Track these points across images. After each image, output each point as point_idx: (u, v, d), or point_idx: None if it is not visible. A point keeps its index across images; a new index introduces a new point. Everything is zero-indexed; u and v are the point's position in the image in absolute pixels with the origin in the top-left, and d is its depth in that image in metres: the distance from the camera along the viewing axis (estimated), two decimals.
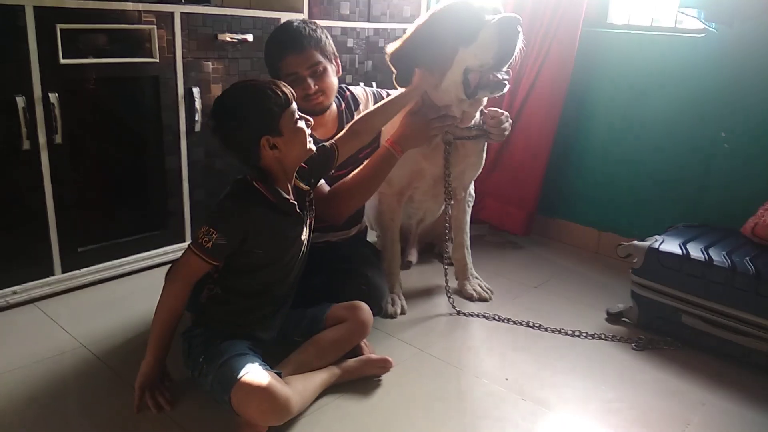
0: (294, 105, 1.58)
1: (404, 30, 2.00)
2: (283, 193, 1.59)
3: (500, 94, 1.92)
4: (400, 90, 1.98)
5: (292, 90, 1.59)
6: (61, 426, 1.51)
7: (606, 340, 2.04)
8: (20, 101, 1.91)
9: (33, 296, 2.10)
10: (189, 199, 2.43)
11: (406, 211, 2.34)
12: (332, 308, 1.79)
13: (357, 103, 2.15)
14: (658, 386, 1.80)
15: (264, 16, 2.49)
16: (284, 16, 2.49)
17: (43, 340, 1.88)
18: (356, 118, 1.93)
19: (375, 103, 2.17)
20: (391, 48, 1.98)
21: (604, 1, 2.78)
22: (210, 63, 2.37)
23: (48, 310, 2.07)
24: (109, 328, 1.96)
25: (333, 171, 1.86)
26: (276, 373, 1.50)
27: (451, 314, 2.17)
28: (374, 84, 2.92)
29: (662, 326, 2.06)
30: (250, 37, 2.42)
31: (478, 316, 2.16)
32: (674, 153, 2.55)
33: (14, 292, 2.05)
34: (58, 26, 1.94)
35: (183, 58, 2.28)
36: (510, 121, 2.12)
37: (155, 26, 2.17)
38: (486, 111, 2.08)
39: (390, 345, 1.94)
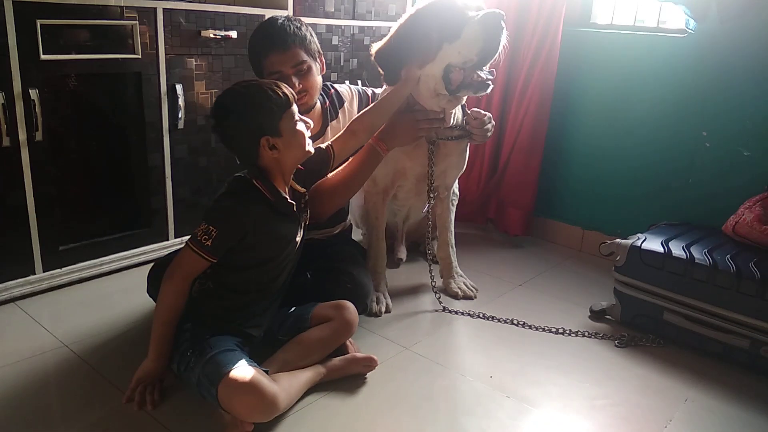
0: (294, 107, 1.58)
1: (389, 28, 1.99)
2: (281, 193, 1.60)
3: (483, 93, 1.92)
4: (392, 87, 1.97)
5: (293, 92, 1.59)
6: (42, 426, 1.49)
7: (589, 337, 2.06)
8: None
9: (14, 295, 2.07)
10: (172, 197, 2.41)
11: (391, 208, 2.34)
12: (317, 307, 1.78)
13: (341, 101, 2.14)
14: (641, 383, 1.81)
15: (248, 12, 2.47)
16: (268, 13, 2.47)
17: (24, 340, 1.86)
18: (353, 118, 1.92)
19: (360, 101, 2.17)
20: (375, 47, 1.97)
21: (588, 1, 2.79)
22: (193, 60, 2.35)
23: (29, 309, 2.04)
24: (91, 327, 1.94)
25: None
26: (263, 370, 1.50)
27: (436, 311, 2.17)
28: (359, 82, 2.92)
29: (645, 323, 2.08)
30: (233, 34, 2.41)
31: (463, 314, 2.17)
32: (657, 152, 2.57)
33: None
34: (39, 21, 1.91)
35: (166, 54, 2.25)
36: (493, 122, 2.12)
37: (137, 22, 2.14)
38: (469, 112, 2.08)
39: (375, 343, 1.94)
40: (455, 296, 2.30)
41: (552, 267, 2.67)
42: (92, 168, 2.24)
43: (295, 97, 1.60)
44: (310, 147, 1.63)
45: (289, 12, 2.59)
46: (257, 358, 1.59)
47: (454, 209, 2.37)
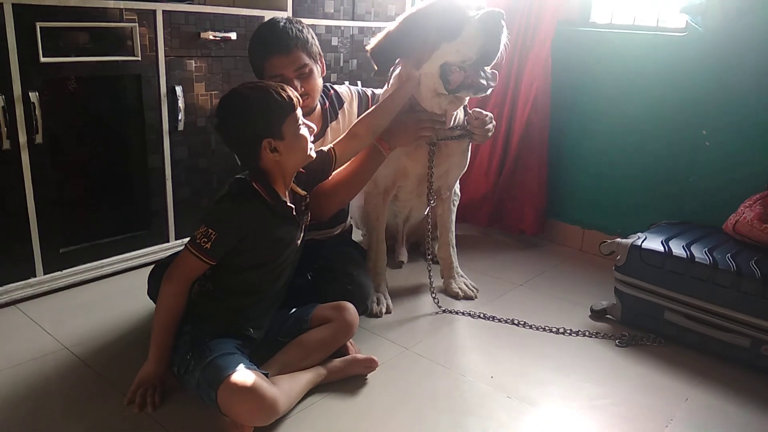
0: (299, 111, 1.58)
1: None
2: (281, 196, 1.60)
3: (483, 95, 1.92)
4: (394, 88, 1.97)
5: (298, 95, 1.59)
6: (43, 428, 1.49)
7: (590, 337, 2.06)
8: None
9: (14, 298, 2.07)
10: (172, 199, 2.41)
11: (391, 209, 2.34)
12: (317, 308, 1.78)
13: (341, 102, 2.14)
14: (642, 382, 1.81)
15: (248, 14, 2.47)
16: (268, 14, 2.47)
17: (25, 343, 1.86)
18: (353, 118, 1.91)
19: (359, 102, 2.17)
20: (372, 42, 1.97)
21: (587, 1, 2.79)
22: (193, 61, 2.35)
23: (30, 311, 2.04)
24: (92, 330, 1.94)
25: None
26: (263, 374, 1.50)
27: (436, 313, 2.17)
28: (359, 83, 2.91)
29: (645, 323, 2.08)
30: (233, 36, 2.41)
31: (463, 314, 2.17)
32: (657, 151, 2.57)
33: None
34: (38, 24, 1.91)
35: (165, 56, 2.25)
36: (494, 122, 2.12)
37: (137, 24, 2.14)
38: (471, 112, 2.08)
39: (375, 344, 1.94)
40: (456, 296, 2.30)
41: (552, 267, 2.67)
42: (92, 170, 2.24)
43: (300, 100, 1.60)
44: (312, 152, 1.63)
45: (289, 13, 2.59)
46: (257, 360, 1.60)
47: (455, 209, 2.37)
